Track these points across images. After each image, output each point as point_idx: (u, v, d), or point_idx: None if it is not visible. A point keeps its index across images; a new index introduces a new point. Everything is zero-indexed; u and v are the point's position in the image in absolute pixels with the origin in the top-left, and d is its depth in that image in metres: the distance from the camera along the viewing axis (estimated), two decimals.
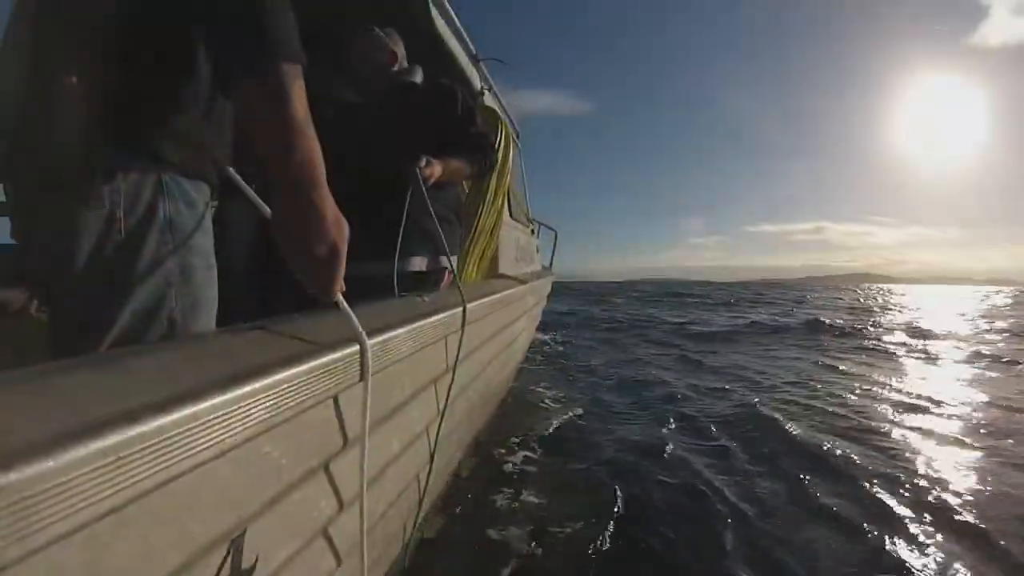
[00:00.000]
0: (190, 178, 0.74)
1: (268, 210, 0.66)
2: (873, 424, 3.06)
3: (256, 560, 0.58)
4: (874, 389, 4.05)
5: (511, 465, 2.34)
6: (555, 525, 1.80)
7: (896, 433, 2.90)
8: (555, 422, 3.03)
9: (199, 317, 0.75)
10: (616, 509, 1.94)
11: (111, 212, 0.66)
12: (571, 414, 3.24)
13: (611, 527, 1.80)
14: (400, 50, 1.72)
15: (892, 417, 3.25)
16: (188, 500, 0.47)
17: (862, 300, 22.61)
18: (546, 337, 7.10)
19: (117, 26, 0.66)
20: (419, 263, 1.59)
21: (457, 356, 1.19)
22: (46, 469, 0.33)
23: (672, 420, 3.16)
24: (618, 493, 2.05)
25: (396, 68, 1.69)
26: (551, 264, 4.58)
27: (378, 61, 1.66)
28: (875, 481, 2.21)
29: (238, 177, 0.88)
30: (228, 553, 0.54)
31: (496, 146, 2.13)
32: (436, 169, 1.46)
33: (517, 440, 2.66)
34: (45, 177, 0.67)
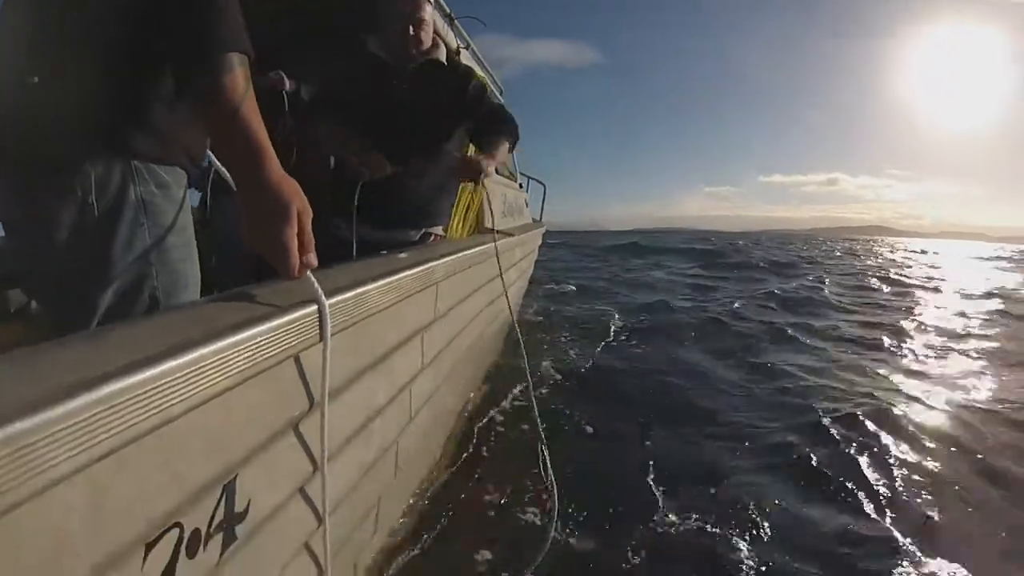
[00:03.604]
0: (161, 163, 0.75)
1: None
2: None
3: (248, 505, 0.64)
4: None
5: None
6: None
7: None
8: None
9: (180, 293, 0.78)
10: None
11: (83, 199, 0.68)
12: None
13: None
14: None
15: None
16: (179, 444, 0.52)
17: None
18: None
19: (85, 24, 0.67)
20: (414, 234, 1.71)
21: (435, 311, 1.24)
22: (46, 419, 0.37)
23: None
24: None
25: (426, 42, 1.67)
26: (541, 216, 4.64)
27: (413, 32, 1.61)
28: None
29: (217, 162, 0.91)
30: (222, 496, 0.60)
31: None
32: (491, 168, 1.57)
33: None
34: (17, 171, 0.68)
